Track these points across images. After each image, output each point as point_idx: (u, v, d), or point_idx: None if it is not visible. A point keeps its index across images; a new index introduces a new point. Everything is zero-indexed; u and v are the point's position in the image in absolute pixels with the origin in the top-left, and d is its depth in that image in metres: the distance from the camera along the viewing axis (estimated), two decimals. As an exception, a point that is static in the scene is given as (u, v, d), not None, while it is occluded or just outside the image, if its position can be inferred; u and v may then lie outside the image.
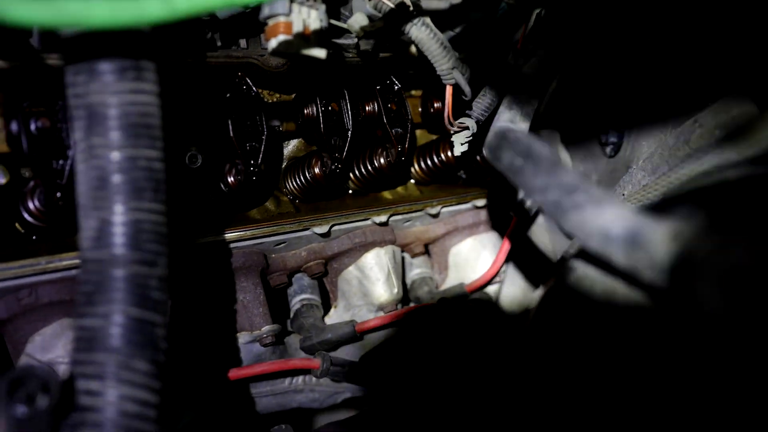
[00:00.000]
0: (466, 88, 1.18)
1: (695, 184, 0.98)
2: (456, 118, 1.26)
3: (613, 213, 0.71)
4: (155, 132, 0.81)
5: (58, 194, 1.04)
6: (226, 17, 1.11)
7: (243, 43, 1.18)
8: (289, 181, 1.34)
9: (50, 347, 1.10)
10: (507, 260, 1.52)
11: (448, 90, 1.19)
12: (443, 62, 1.14)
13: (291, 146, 1.40)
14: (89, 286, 0.78)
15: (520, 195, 1.46)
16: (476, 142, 1.27)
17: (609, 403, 0.82)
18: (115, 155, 0.79)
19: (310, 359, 1.30)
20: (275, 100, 1.33)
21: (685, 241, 0.65)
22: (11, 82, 1.06)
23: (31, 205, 1.08)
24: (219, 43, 1.14)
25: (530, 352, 1.02)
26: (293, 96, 1.34)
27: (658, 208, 0.89)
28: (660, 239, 0.67)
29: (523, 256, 1.55)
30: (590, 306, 0.88)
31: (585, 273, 0.89)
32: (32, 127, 1.02)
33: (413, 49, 1.34)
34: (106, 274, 0.78)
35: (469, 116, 1.27)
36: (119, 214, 0.78)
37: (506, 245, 1.47)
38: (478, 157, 1.47)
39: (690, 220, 0.69)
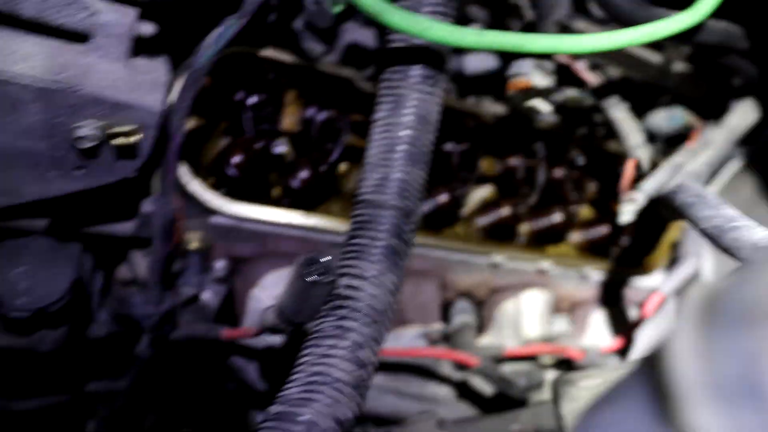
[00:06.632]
0: (646, 166, 1.44)
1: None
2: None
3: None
4: (432, 125, 1.11)
5: (322, 168, 1.37)
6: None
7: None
8: None
9: (278, 285, 1.38)
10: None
11: (631, 162, 1.46)
12: (635, 137, 1.42)
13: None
14: (365, 217, 1.06)
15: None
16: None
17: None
18: (405, 132, 1.09)
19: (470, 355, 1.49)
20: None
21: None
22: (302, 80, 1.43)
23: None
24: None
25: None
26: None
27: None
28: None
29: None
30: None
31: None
32: (320, 117, 1.38)
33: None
34: (377, 212, 1.06)
35: (638, 190, 1.50)
36: (397, 173, 1.07)
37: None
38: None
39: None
